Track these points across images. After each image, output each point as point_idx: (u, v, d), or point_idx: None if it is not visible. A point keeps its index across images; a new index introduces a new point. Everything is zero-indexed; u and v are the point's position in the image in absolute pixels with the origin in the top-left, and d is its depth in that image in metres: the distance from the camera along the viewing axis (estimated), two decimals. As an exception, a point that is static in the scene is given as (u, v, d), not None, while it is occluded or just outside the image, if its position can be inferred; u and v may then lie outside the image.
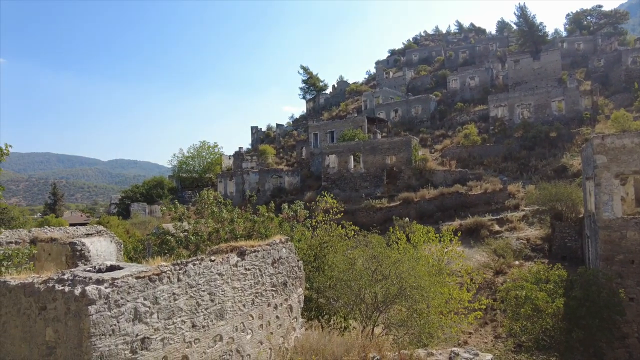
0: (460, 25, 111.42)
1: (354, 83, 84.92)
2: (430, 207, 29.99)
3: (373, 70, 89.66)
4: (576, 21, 76.45)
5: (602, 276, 14.28)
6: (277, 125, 75.64)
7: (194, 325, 5.50)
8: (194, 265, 5.60)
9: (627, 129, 29.25)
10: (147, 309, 4.86)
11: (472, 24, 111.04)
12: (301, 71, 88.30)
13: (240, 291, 6.51)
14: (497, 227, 24.81)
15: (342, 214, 14.22)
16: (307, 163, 49.23)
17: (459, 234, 15.00)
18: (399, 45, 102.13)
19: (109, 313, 4.42)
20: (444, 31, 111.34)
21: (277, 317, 7.48)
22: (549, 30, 79.55)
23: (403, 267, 10.94)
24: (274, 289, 7.42)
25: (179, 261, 5.59)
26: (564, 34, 77.12)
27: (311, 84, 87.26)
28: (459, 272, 14.40)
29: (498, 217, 26.14)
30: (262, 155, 54.89)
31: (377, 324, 11.30)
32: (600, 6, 76.19)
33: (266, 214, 11.18)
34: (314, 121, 57.60)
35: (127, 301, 4.63)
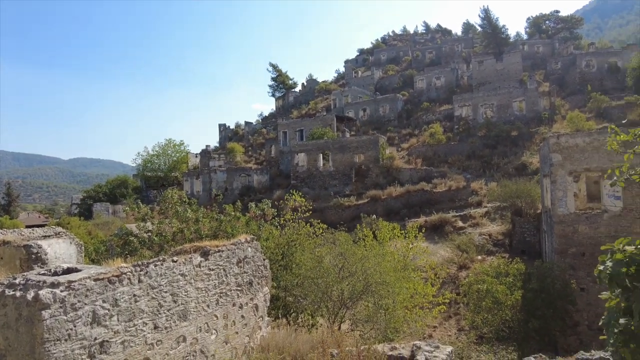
0: (427, 26, 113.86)
1: (323, 82, 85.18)
2: (397, 205, 30.59)
3: (342, 69, 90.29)
4: (536, 25, 79.65)
5: (557, 268, 15.04)
6: (246, 123, 74.94)
7: (156, 327, 5.43)
8: (155, 266, 5.53)
9: (581, 128, 30.84)
10: (107, 311, 4.77)
11: (438, 25, 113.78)
12: (270, 69, 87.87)
13: (204, 291, 6.47)
14: (460, 223, 25.62)
15: (310, 212, 14.34)
16: (276, 161, 49.04)
17: (424, 230, 15.43)
18: (367, 45, 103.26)
19: (65, 317, 4.31)
20: (412, 31, 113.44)
21: (242, 316, 7.47)
22: (511, 33, 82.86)
23: (369, 263, 11.16)
24: (239, 288, 7.41)
25: (140, 262, 5.50)
26: (525, 37, 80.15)
27: (280, 82, 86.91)
28: (423, 268, 14.81)
29: (462, 213, 26.99)
30: (230, 154, 54.23)
31: (344, 321, 11.48)
32: (557, 11, 79.80)
33: (233, 213, 11.12)
34: (283, 119, 57.46)
35: (85, 304, 4.53)
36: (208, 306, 6.53)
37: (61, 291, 4.31)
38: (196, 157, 57.47)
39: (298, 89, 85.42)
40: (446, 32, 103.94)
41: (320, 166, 38.82)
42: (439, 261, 20.10)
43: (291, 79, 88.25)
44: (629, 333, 5.79)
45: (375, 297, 11.01)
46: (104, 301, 4.75)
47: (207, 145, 59.66)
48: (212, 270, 6.71)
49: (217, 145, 73.63)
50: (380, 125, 52.56)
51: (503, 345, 14.42)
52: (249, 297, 7.69)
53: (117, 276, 4.95)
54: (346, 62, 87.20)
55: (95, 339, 4.62)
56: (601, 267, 6.04)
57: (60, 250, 9.97)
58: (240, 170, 44.24)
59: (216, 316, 6.70)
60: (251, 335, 7.65)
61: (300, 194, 15.96)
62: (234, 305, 7.21)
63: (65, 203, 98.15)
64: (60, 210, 78.22)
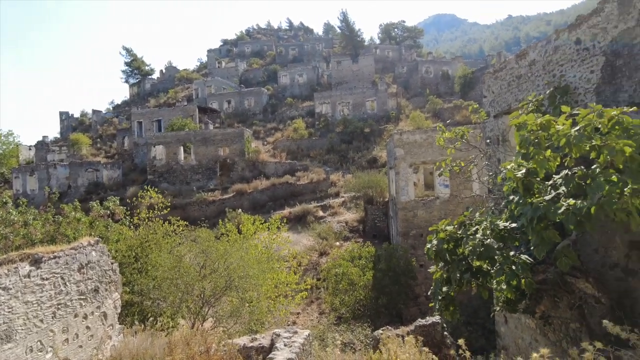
0: (291, 23, 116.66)
1: (184, 70, 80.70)
2: (263, 198, 30.94)
3: (205, 59, 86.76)
4: (386, 31, 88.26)
5: (400, 249, 17.12)
6: (94, 111, 66.52)
7: (-34, 354, 4.56)
8: (-36, 281, 4.62)
9: (421, 127, 35.47)
10: None
11: (301, 23, 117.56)
12: (124, 52, 79.67)
13: (35, 305, 5.64)
14: (321, 213, 27.23)
15: (169, 209, 13.58)
16: (130, 155, 44.94)
17: (285, 221, 15.94)
18: (231, 36, 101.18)
19: None
20: (276, 27, 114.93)
21: (87, 327, 6.74)
22: (366, 37, 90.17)
23: (232, 258, 11.09)
24: (82, 297, 6.66)
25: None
26: (378, 41, 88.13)
27: (136, 67, 79.47)
28: (287, 257, 15.33)
29: (322, 203, 28.70)
30: (74, 146, 47.66)
31: (207, 319, 11.23)
32: (404, 21, 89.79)
33: (73, 214, 9.85)
34: (138, 108, 52.71)
35: None
36: (42, 321, 5.72)
37: None
38: (30, 149, 49.06)
39: (156, 76, 79.30)
40: (308, 31, 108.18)
41: (181, 160, 36.88)
42: (302, 250, 21.04)
43: (148, 65, 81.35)
44: (449, 298, 6.96)
45: (239, 291, 11.02)
46: None
47: (44, 136, 51.47)
48: (47, 279, 5.89)
49: (58, 136, 63.97)
50: (245, 118, 52.23)
51: (359, 323, 15.85)
52: (95, 305, 6.97)
53: None
54: (209, 51, 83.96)
55: None
56: (429, 245, 7.13)
57: None
58: (86, 165, 39.23)
59: (53, 331, 5.91)
60: (99, 347, 6.96)
61: (158, 190, 14.98)
62: (76, 316, 6.45)
63: None
64: None
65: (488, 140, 9.35)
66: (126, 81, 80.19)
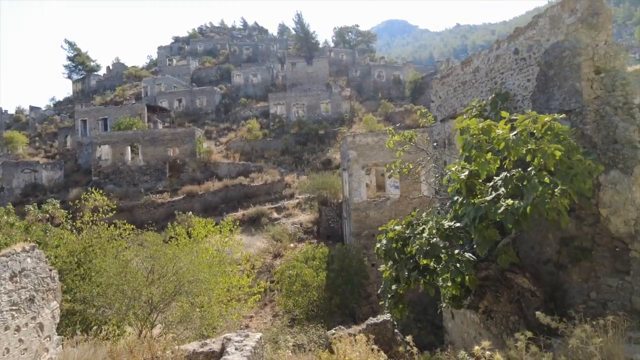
0: (245, 23, 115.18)
1: (132, 67, 77.34)
2: (215, 200, 30.29)
3: (155, 56, 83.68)
4: (341, 35, 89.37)
5: (353, 249, 17.39)
6: (32, 107, 62.21)
7: None
8: None
9: (373, 129, 36.22)
10: None
11: (256, 23, 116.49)
12: (66, 46, 75.21)
13: (-41, 318, 5.18)
14: (275, 215, 27.09)
15: (115, 211, 13.00)
16: (73, 155, 42.51)
17: (238, 223, 15.71)
18: (183, 34, 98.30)
19: None
20: (230, 26, 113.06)
21: (20, 340, 6.28)
22: (321, 39, 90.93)
23: (181, 262, 10.77)
24: (15, 308, 6.19)
25: None
26: (332, 44, 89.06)
27: (80, 63, 75.37)
28: (240, 260, 15.09)
29: (277, 205, 28.56)
30: (8, 145, 44.34)
31: (155, 325, 10.83)
32: (358, 25, 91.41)
33: (5, 218, 9.15)
34: (82, 106, 49.89)
35: None
36: (-34, 335, 5.26)
37: None
38: (-45, 148, 44.97)
39: (102, 72, 75.57)
40: (263, 31, 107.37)
41: (129, 160, 35.34)
42: (256, 252, 20.82)
43: (93, 61, 77.59)
44: (397, 296, 7.17)
45: (189, 296, 10.72)
46: None
47: (-28, 134, 47.31)
48: (-27, 290, 5.43)
49: (-11, 134, 59.17)
50: (197, 118, 50.91)
51: (312, 324, 15.90)
52: (29, 316, 6.51)
53: None
54: (160, 48, 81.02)
55: None
56: (378, 245, 7.30)
57: None
58: (23, 165, 36.55)
59: (-21, 346, 5.46)
60: (34, 361, 6.51)
61: (103, 191, 14.28)
62: (6, 329, 5.99)
63: None
64: None
65: (435, 144, 9.72)
66: (69, 77, 75.82)
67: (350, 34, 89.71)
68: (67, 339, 8.70)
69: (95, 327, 9.90)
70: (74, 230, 11.51)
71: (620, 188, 5.29)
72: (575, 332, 4.00)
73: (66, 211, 11.70)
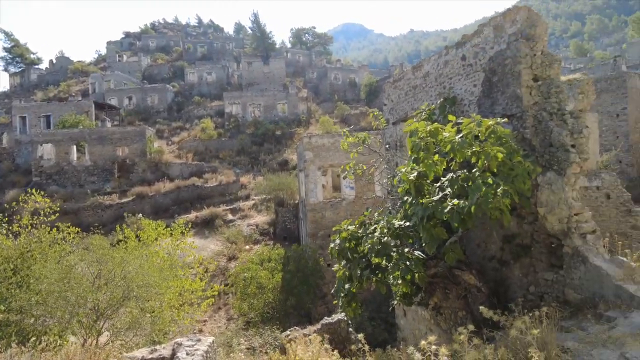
0: (200, 20, 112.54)
1: (79, 61, 73.33)
2: (166, 201, 29.34)
3: (104, 51, 79.80)
4: (297, 36, 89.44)
5: (309, 250, 17.45)
6: (-38, 102, 57.40)
7: None
8: None
9: (329, 131, 36.55)
10: None
11: (211, 21, 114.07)
12: (2, 37, 70.01)
13: None
14: (230, 216, 26.64)
15: (58, 214, 12.24)
16: (10, 154, 39.69)
17: (191, 225, 15.30)
18: (135, 29, 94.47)
19: None
20: (184, 22, 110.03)
21: (-54, 354, 5.78)
22: (278, 40, 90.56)
23: (130, 266, 10.35)
24: (-61, 319, 5.69)
25: None
26: (289, 45, 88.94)
27: (18, 55, 70.44)
28: (192, 264, 14.70)
29: (232, 206, 28.09)
30: None
31: (102, 332, 10.32)
32: (314, 27, 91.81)
33: None
34: (21, 101, 46.69)
35: None
36: None
37: None
38: None
39: (44, 66, 71.11)
40: (219, 29, 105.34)
41: (74, 160, 33.49)
42: (209, 255, 20.37)
43: (34, 53, 72.81)
44: (350, 295, 7.28)
45: (139, 301, 10.30)
46: None
47: None
48: None
49: None
50: (148, 117, 49.09)
51: (268, 326, 15.79)
52: (-43, 328, 6.00)
53: None
54: (109, 43, 77.34)
55: None
56: (332, 245, 7.39)
57: None
58: (-49, 165, 33.67)
59: None
60: (-38, 376, 6.01)
61: (45, 193, 13.42)
62: None
63: None
64: None
65: (387, 146, 9.97)
66: (5, 69, 70.75)
67: (307, 35, 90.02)
68: (1, 352, 8.11)
69: (33, 339, 9.28)
70: (10, 235, 10.75)
71: (555, 188, 5.69)
72: (515, 324, 4.25)
73: (1, 214, 10.92)
